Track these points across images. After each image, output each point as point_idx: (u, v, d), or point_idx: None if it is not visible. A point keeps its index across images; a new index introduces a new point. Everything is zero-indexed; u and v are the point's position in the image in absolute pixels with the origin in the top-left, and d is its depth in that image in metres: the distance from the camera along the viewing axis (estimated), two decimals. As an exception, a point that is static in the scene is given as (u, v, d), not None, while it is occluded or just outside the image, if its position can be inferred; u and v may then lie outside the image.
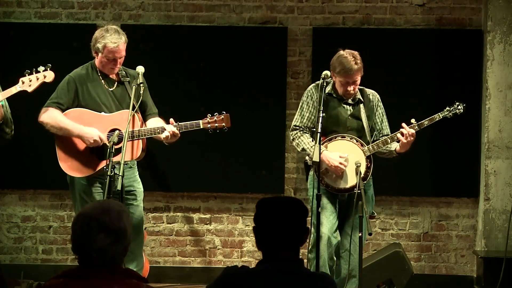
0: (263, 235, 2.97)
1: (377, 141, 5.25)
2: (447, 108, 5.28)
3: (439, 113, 5.25)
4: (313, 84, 5.35)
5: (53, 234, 6.68)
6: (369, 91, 5.38)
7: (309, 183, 5.33)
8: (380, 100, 5.37)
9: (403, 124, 5.14)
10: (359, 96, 5.31)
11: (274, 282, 2.88)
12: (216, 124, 5.11)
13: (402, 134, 5.13)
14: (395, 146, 5.24)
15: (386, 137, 5.26)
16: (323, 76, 5.15)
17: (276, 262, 2.92)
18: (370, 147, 5.21)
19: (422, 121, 5.19)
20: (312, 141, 5.18)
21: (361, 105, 5.31)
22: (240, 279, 2.89)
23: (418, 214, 6.61)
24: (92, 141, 4.99)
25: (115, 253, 2.69)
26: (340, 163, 5.14)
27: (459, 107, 5.28)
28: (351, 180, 5.17)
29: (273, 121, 6.55)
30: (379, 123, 5.36)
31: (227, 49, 6.53)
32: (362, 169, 5.11)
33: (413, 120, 5.17)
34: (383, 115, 5.37)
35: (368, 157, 5.20)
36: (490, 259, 6.24)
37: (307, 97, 5.32)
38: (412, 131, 5.12)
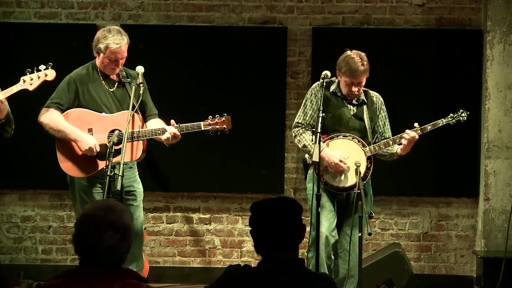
0: (261, 237, 2.98)
1: (379, 143, 5.25)
2: (451, 114, 5.28)
3: (443, 119, 5.25)
4: (318, 82, 5.33)
5: (53, 234, 6.68)
6: (373, 93, 5.38)
7: (307, 181, 5.33)
8: (383, 103, 5.38)
9: (407, 131, 5.15)
10: (363, 97, 5.32)
11: (275, 282, 2.89)
12: (217, 126, 5.11)
13: (405, 139, 5.13)
14: (396, 148, 5.25)
15: (388, 139, 5.27)
16: (322, 76, 5.16)
17: (277, 262, 2.93)
18: (372, 148, 5.22)
19: (425, 126, 5.19)
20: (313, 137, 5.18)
21: (365, 107, 5.31)
22: (243, 279, 2.90)
23: (418, 214, 6.62)
24: (86, 148, 4.97)
25: (122, 250, 2.71)
26: (340, 161, 5.14)
27: (463, 114, 5.28)
28: (350, 179, 5.17)
29: (272, 121, 6.54)
30: (382, 126, 5.36)
31: (226, 49, 6.53)
32: (362, 169, 5.12)
33: (416, 124, 5.17)
34: (385, 118, 5.38)
35: (368, 158, 5.20)
36: (489, 259, 6.23)
37: (311, 95, 5.32)
38: (415, 135, 5.12)
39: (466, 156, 6.50)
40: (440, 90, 6.47)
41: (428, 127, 5.21)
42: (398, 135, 5.22)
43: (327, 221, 5.18)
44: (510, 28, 6.39)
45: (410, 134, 5.12)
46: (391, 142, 5.23)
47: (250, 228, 3.03)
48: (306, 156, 5.34)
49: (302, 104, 5.38)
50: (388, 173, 6.16)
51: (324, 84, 5.13)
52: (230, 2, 6.59)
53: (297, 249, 3.01)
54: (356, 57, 5.15)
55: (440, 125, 5.24)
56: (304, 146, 5.27)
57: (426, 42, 6.51)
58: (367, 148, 5.21)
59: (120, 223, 2.70)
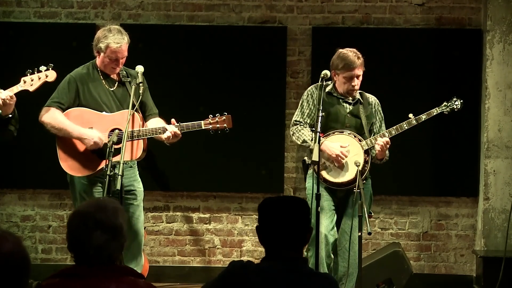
0: (268, 234, 2.97)
1: (375, 135, 5.30)
2: (445, 103, 5.34)
3: (437, 108, 5.33)
4: (314, 85, 5.39)
5: (53, 233, 6.68)
6: (369, 95, 5.45)
7: (307, 182, 5.34)
8: (380, 105, 5.42)
9: (378, 138, 5.20)
10: (358, 96, 5.36)
11: (278, 280, 2.88)
12: (218, 125, 5.12)
13: (378, 144, 5.19)
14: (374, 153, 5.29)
15: (379, 134, 5.32)
16: (322, 75, 5.17)
17: (280, 261, 2.93)
18: (368, 141, 5.26)
19: (419, 116, 5.25)
20: (313, 135, 5.20)
21: (360, 105, 5.35)
22: (245, 274, 2.89)
23: (418, 214, 6.61)
24: (92, 143, 4.99)
25: (111, 250, 2.68)
26: (341, 152, 5.16)
27: (456, 102, 5.35)
28: (349, 174, 5.20)
29: (272, 121, 6.54)
30: (378, 127, 5.41)
31: (226, 48, 6.53)
32: (361, 166, 5.13)
33: (410, 115, 5.25)
34: (381, 120, 5.44)
35: (366, 152, 5.23)
36: (489, 258, 6.23)
37: (308, 96, 5.35)
38: (384, 140, 5.14)
39: (466, 155, 6.50)
40: (440, 90, 6.46)
41: (423, 116, 5.27)
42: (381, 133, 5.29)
43: (326, 220, 5.20)
44: (510, 28, 6.38)
45: (379, 142, 5.16)
46: (387, 134, 5.26)
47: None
48: (305, 157, 5.35)
49: (299, 105, 5.41)
50: (388, 172, 6.16)
51: (324, 83, 5.15)
52: (230, 2, 6.59)
53: (302, 250, 3.02)
54: (349, 52, 5.24)
55: (434, 113, 5.30)
56: (304, 141, 5.26)
57: (426, 41, 6.51)
58: (364, 142, 5.23)
59: (111, 222, 2.67)
